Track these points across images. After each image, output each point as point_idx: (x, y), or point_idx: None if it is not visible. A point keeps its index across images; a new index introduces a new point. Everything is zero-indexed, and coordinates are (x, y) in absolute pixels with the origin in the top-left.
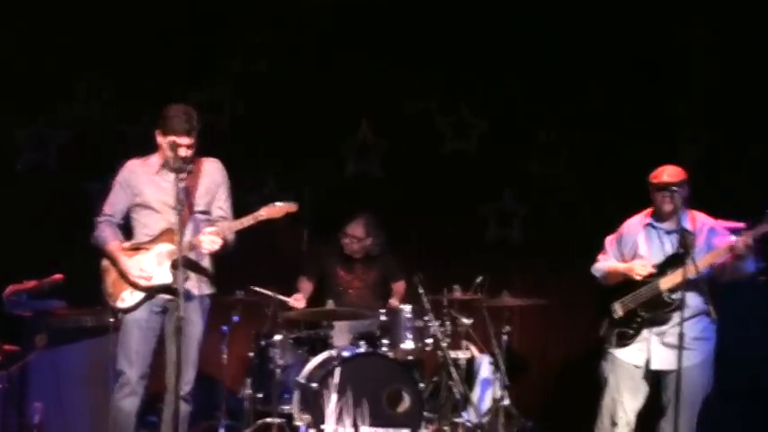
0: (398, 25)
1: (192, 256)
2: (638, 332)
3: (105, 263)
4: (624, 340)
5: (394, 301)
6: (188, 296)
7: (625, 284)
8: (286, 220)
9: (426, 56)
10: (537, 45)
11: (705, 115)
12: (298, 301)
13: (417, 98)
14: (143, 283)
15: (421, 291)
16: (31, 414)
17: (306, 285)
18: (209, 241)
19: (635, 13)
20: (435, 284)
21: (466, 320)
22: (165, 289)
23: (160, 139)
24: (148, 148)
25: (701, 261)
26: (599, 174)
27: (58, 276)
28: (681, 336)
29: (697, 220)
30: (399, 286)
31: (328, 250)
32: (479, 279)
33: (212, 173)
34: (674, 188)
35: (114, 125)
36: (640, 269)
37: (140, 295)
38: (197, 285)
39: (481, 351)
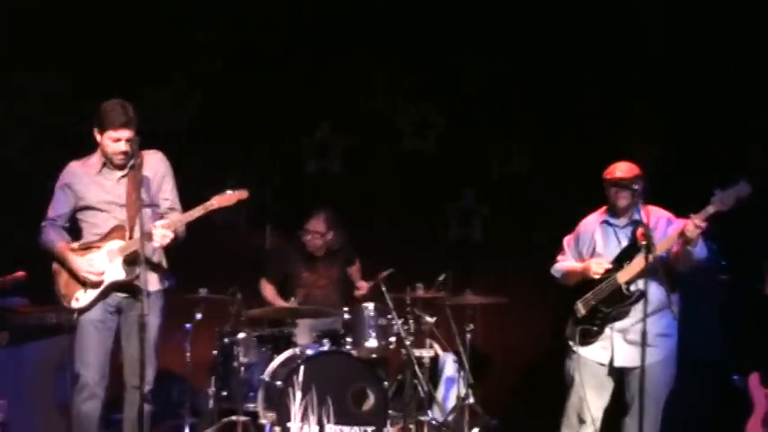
0: (358, 23)
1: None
2: (601, 329)
3: (56, 266)
4: (588, 338)
5: (362, 284)
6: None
7: (585, 283)
8: (247, 219)
9: (386, 54)
10: (496, 44)
11: (662, 112)
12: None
13: (377, 96)
14: (93, 278)
15: (384, 289)
16: None
17: (268, 287)
18: (161, 235)
19: (593, 12)
20: (398, 282)
21: (429, 318)
22: (119, 286)
23: (99, 138)
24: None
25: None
26: (558, 172)
27: (20, 274)
28: (644, 334)
29: (652, 214)
30: (356, 269)
31: (289, 252)
32: (442, 277)
33: (155, 164)
34: (628, 183)
35: (72, 125)
36: (596, 267)
37: (94, 294)
38: (150, 281)
39: (445, 349)
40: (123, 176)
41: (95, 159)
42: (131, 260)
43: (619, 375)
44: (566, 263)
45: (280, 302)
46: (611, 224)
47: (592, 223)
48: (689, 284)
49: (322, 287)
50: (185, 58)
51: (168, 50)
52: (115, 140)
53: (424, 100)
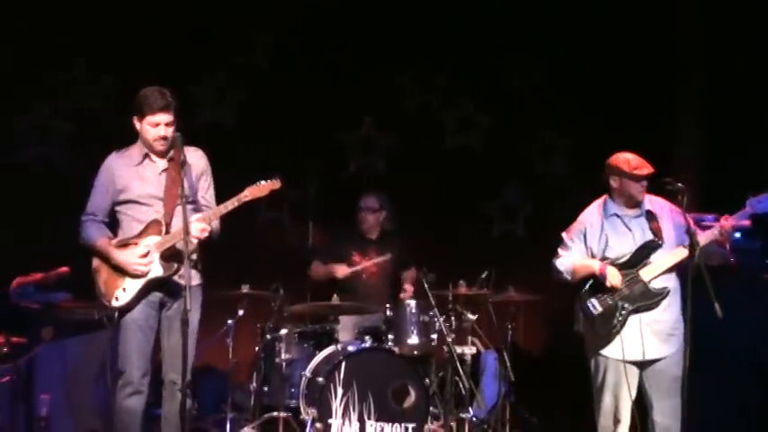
0: (403, 21)
1: (179, 246)
2: (623, 325)
3: (96, 263)
4: (609, 336)
5: (409, 287)
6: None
7: (592, 280)
8: (292, 217)
9: (430, 52)
10: (540, 42)
11: (703, 110)
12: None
13: (420, 94)
14: (143, 269)
15: (426, 286)
16: (38, 406)
17: (321, 266)
18: (199, 229)
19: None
20: (440, 279)
21: (471, 316)
22: (157, 283)
23: (138, 125)
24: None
25: (680, 251)
26: (601, 170)
27: (63, 269)
28: (692, 320)
29: (655, 204)
30: (409, 275)
31: (341, 237)
32: (484, 274)
33: (195, 161)
34: (652, 178)
35: (115, 119)
36: (615, 279)
37: (133, 291)
38: (191, 276)
39: (486, 346)
40: (164, 170)
41: (136, 151)
42: (168, 256)
43: (639, 368)
44: (573, 258)
45: (332, 266)
46: (618, 215)
47: (595, 218)
48: (735, 285)
49: (370, 274)
50: (229, 55)
51: (212, 47)
52: (155, 125)
53: (468, 98)
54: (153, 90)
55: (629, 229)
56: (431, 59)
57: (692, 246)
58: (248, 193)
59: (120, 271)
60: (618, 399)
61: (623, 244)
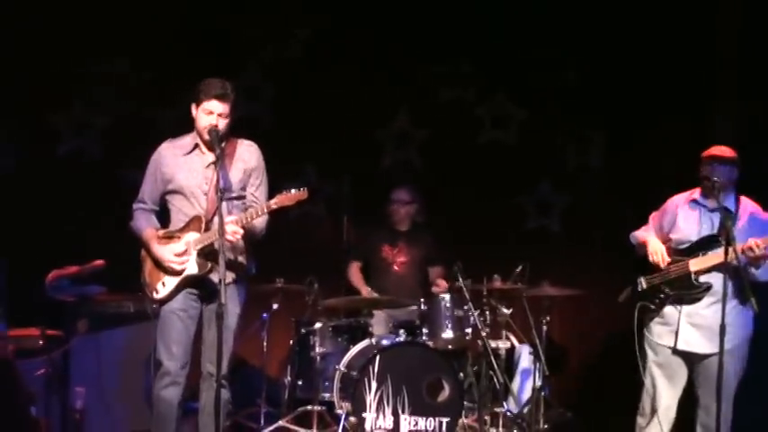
0: (439, 15)
1: (216, 244)
2: (660, 308)
3: (143, 252)
4: (646, 315)
5: (441, 281)
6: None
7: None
8: (327, 211)
9: (465, 45)
10: (574, 36)
11: (740, 103)
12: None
13: (456, 88)
14: (177, 267)
15: (460, 280)
16: (73, 399)
17: (356, 273)
18: (231, 231)
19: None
20: (475, 274)
21: (505, 310)
22: (195, 279)
23: (194, 112)
24: (184, 134)
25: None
26: (636, 164)
27: (99, 262)
28: (722, 328)
29: (741, 203)
30: (436, 271)
31: (373, 229)
32: (519, 268)
33: (248, 156)
34: (726, 160)
35: (149, 112)
36: (657, 257)
37: (172, 286)
38: (229, 274)
39: (521, 341)
40: (212, 163)
41: (188, 140)
42: (206, 254)
43: (689, 364)
44: (642, 233)
45: (363, 287)
46: (699, 203)
47: (680, 199)
48: None
49: (400, 265)
50: (263, 50)
51: (247, 42)
52: (208, 113)
53: (503, 91)
54: (214, 79)
55: (701, 219)
56: (466, 53)
57: (727, 239)
58: (277, 201)
59: (160, 265)
60: (656, 387)
61: (689, 230)
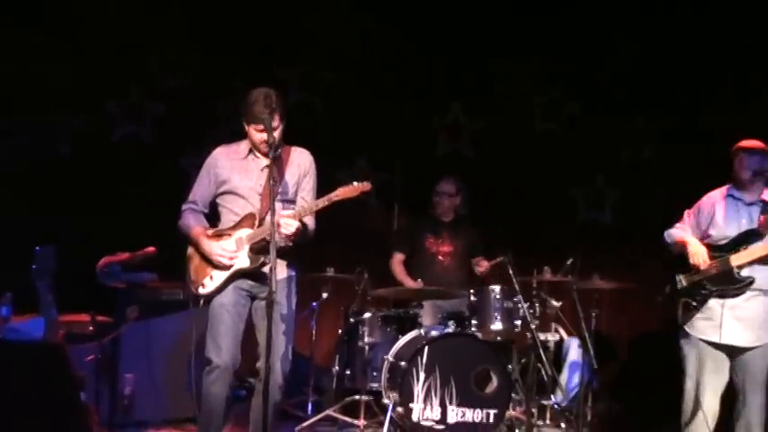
0: (494, 6)
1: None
2: (701, 304)
3: (190, 250)
4: (688, 312)
5: (483, 262)
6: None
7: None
8: (376, 199)
9: (521, 37)
10: (630, 30)
11: None
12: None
13: (510, 79)
14: (225, 261)
15: (510, 272)
16: (122, 385)
17: (399, 264)
18: (286, 224)
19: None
20: (525, 266)
21: (555, 303)
22: (245, 274)
23: (246, 127)
24: (238, 120)
25: None
26: (688, 158)
27: (150, 249)
28: None
29: None
30: (478, 260)
31: (417, 221)
32: (570, 261)
33: (301, 162)
34: (759, 151)
35: (204, 99)
36: (698, 258)
37: (220, 280)
38: (279, 269)
39: (570, 333)
40: (267, 166)
41: (243, 146)
42: (258, 249)
43: (731, 358)
44: (679, 231)
45: (409, 282)
46: (735, 197)
47: (717, 196)
48: None
49: (445, 256)
50: (320, 38)
51: (303, 30)
52: (258, 131)
53: (558, 83)
54: (259, 96)
55: (738, 214)
56: (522, 45)
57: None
58: (339, 193)
59: (209, 260)
60: (700, 383)
61: (728, 226)
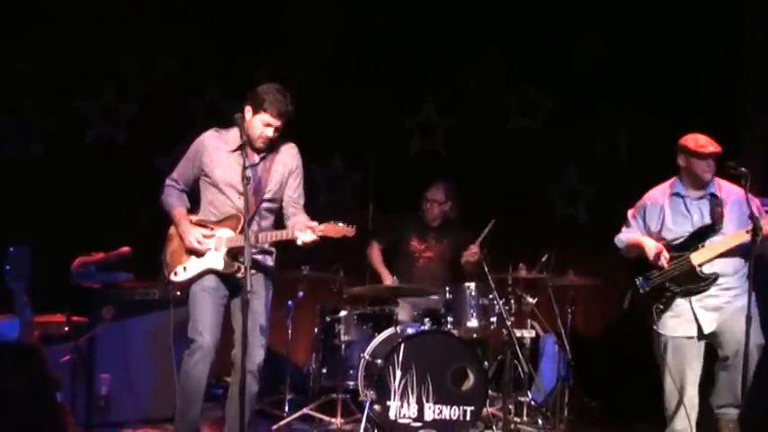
0: (465, 4)
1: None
2: (667, 306)
3: (171, 230)
4: (657, 314)
5: (474, 247)
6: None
7: (646, 259)
8: (351, 198)
9: (492, 34)
10: (603, 25)
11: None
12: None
13: (482, 77)
14: (198, 247)
15: (486, 269)
16: (98, 385)
17: (376, 251)
18: (308, 239)
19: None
20: (500, 262)
21: (531, 299)
22: (216, 273)
23: (249, 116)
24: (211, 122)
25: (736, 235)
26: (662, 153)
27: (125, 249)
28: (748, 319)
29: (723, 189)
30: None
31: (403, 218)
32: (545, 258)
33: (288, 158)
34: (718, 157)
35: (178, 99)
36: (659, 257)
37: (192, 273)
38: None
39: (546, 330)
40: (254, 165)
41: (234, 136)
42: (234, 254)
43: (706, 345)
44: (630, 234)
45: (384, 271)
46: (681, 195)
47: (659, 196)
48: None
49: (427, 259)
50: (292, 40)
51: (275, 32)
52: (267, 125)
53: (529, 80)
54: (278, 90)
55: (689, 211)
56: (493, 42)
57: (755, 231)
58: (323, 230)
59: (187, 248)
60: (679, 378)
61: (680, 225)
